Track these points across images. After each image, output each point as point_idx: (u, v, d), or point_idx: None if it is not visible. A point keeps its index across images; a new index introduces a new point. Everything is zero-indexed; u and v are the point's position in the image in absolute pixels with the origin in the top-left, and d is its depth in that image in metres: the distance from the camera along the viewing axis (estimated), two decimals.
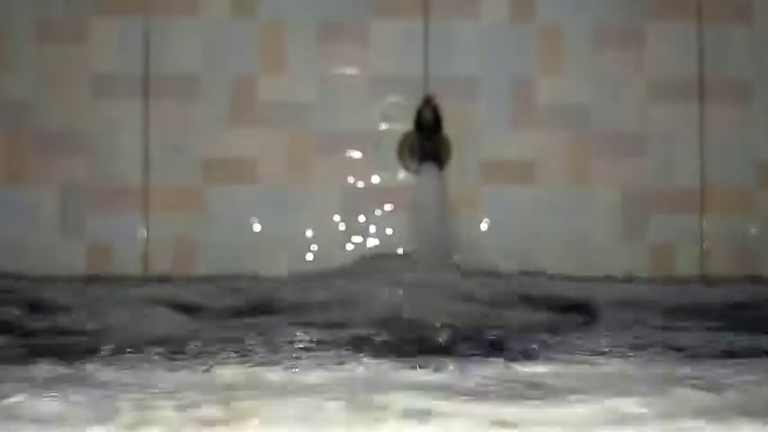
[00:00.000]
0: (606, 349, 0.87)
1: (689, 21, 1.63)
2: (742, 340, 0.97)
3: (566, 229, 1.61)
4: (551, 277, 1.52)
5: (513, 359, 0.79)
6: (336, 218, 1.60)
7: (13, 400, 0.59)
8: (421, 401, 0.59)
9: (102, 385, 0.65)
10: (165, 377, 0.69)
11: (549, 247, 1.61)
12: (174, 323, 1.15)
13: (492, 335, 0.99)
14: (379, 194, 1.60)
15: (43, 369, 0.72)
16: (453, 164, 1.60)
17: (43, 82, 1.59)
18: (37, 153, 1.58)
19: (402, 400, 0.59)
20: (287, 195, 1.60)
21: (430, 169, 1.55)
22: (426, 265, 1.47)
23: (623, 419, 0.57)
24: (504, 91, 1.62)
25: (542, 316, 1.25)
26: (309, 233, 1.59)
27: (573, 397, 0.62)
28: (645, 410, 0.59)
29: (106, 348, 0.87)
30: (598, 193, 1.61)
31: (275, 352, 0.83)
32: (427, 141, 1.56)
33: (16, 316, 1.19)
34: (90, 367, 0.73)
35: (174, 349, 0.85)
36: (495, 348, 0.91)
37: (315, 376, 0.70)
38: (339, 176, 1.60)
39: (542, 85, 1.62)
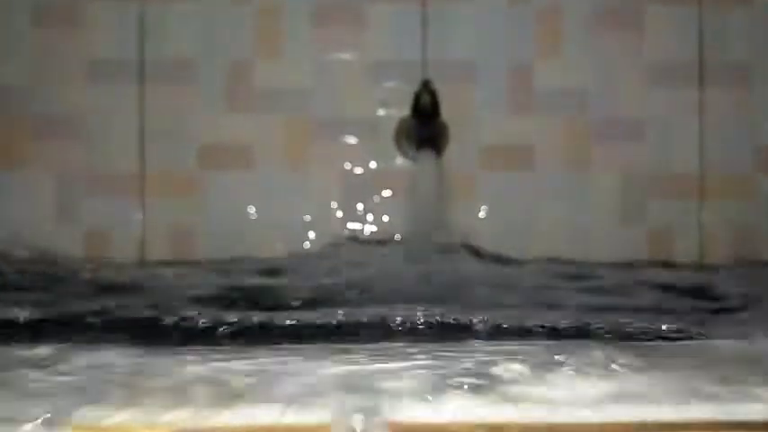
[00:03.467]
0: None
1: (689, 4, 1.61)
2: None
3: (564, 215, 1.60)
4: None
5: None
6: (333, 204, 1.60)
7: None
8: None
9: None
10: None
11: (547, 233, 1.60)
12: None
13: None
14: (376, 180, 1.60)
15: None
16: (451, 149, 1.59)
17: (39, 67, 1.58)
18: (33, 138, 1.58)
19: None
20: (284, 181, 1.59)
21: (427, 155, 1.55)
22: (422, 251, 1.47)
23: None
24: (502, 75, 1.61)
25: None
26: (306, 219, 1.59)
27: None
28: None
29: None
30: (597, 178, 1.61)
31: None
32: (424, 127, 1.55)
33: None
34: None
35: None
36: None
37: None
38: (336, 162, 1.60)
39: (541, 70, 1.61)
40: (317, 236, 1.59)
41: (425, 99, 1.54)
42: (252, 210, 1.59)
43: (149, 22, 1.59)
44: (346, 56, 1.60)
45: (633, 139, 1.61)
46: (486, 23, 1.61)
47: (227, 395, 0.56)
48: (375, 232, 1.60)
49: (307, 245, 1.59)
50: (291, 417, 0.52)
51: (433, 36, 1.60)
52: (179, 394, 0.56)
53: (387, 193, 1.60)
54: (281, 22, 1.60)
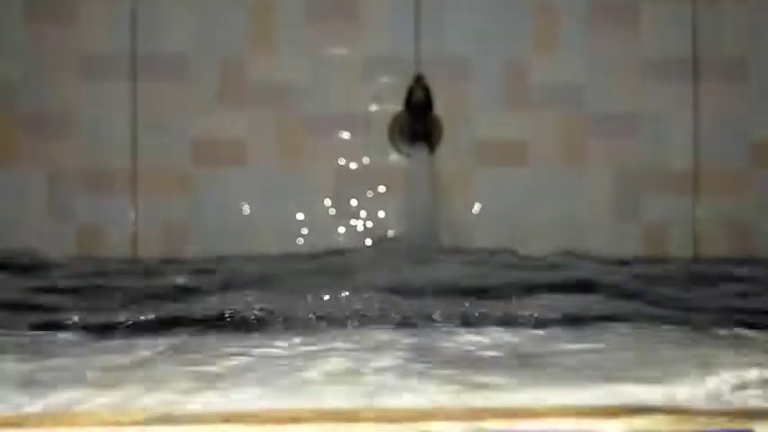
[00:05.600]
0: None
1: None
2: None
3: (558, 210, 1.60)
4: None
5: None
6: (327, 201, 1.59)
7: None
8: None
9: None
10: None
11: (541, 229, 1.59)
12: None
13: None
14: (370, 177, 1.59)
15: None
16: (445, 145, 1.58)
17: (31, 63, 1.57)
18: (25, 135, 1.57)
19: None
20: (276, 178, 1.58)
21: (421, 151, 1.54)
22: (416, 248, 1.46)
23: None
24: (497, 70, 1.60)
25: None
26: (300, 216, 1.58)
27: None
28: None
29: None
30: (591, 173, 1.60)
31: None
32: (418, 122, 1.55)
33: None
34: None
35: None
36: None
37: None
38: (330, 158, 1.59)
39: (536, 65, 1.60)
40: (310, 232, 1.58)
41: (419, 95, 1.54)
42: (245, 206, 1.58)
43: (141, 18, 1.58)
44: (339, 51, 1.59)
45: (628, 134, 1.60)
46: (480, 18, 1.60)
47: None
48: (369, 228, 1.59)
49: (300, 241, 1.58)
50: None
51: (427, 30, 1.59)
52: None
53: (381, 188, 1.59)
54: (273, 17, 1.59)
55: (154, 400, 0.52)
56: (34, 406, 0.51)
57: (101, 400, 0.52)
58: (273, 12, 1.59)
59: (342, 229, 1.59)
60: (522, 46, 1.60)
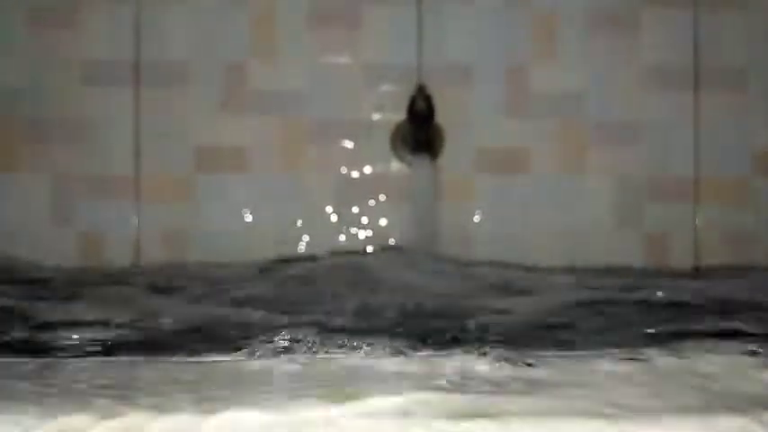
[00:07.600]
0: None
1: (685, 7, 1.61)
2: None
3: (560, 219, 1.60)
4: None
5: None
6: (329, 208, 1.59)
7: None
8: None
9: None
10: None
11: (543, 237, 1.60)
12: None
13: None
14: (372, 185, 1.59)
15: None
16: (447, 153, 1.59)
17: (33, 69, 1.57)
18: (27, 141, 1.57)
19: None
20: (279, 185, 1.59)
21: (422, 159, 1.55)
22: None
23: None
24: (498, 78, 1.60)
25: None
26: (301, 223, 1.59)
27: None
28: None
29: None
30: (592, 181, 1.61)
31: None
32: (420, 131, 1.55)
33: None
34: None
35: None
36: None
37: None
38: (331, 166, 1.59)
39: (537, 73, 1.61)
40: (311, 240, 1.59)
41: (420, 105, 1.54)
42: (247, 213, 1.59)
43: (145, 24, 1.58)
44: (342, 59, 1.60)
45: (629, 142, 1.61)
46: (482, 26, 1.60)
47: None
48: (371, 237, 1.59)
49: (301, 249, 1.58)
50: None
51: (429, 39, 1.60)
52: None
53: (383, 197, 1.60)
54: (276, 24, 1.59)
55: None
56: None
57: None
58: (275, 19, 1.59)
59: (343, 237, 1.59)
60: (523, 54, 1.61)
